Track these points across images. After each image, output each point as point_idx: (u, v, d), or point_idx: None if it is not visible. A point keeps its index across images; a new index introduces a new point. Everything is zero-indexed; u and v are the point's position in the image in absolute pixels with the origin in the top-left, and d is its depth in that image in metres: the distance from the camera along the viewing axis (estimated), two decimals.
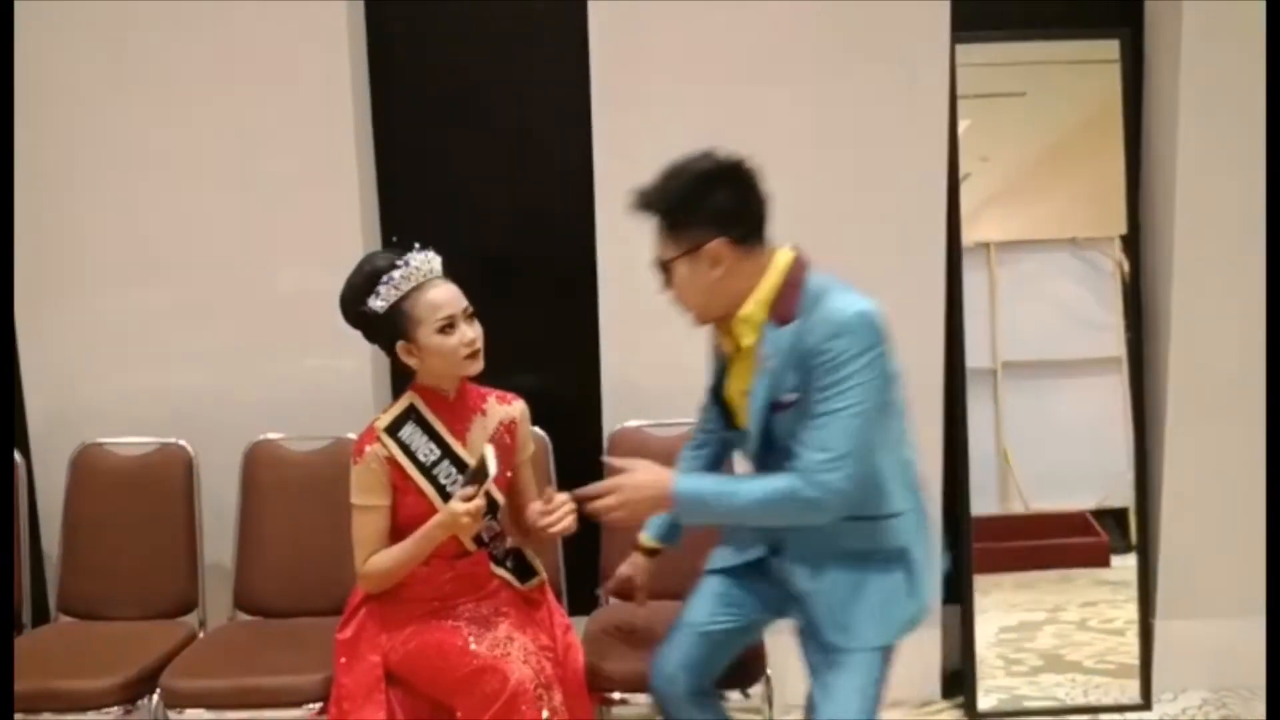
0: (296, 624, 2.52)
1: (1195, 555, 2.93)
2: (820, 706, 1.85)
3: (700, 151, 1.82)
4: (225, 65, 2.69)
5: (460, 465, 2.06)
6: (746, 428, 1.87)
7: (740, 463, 2.11)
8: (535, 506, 2.06)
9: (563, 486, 2.04)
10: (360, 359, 2.69)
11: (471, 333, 2.04)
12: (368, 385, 2.75)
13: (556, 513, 1.98)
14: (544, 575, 2.24)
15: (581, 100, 2.75)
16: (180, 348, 2.77)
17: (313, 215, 2.73)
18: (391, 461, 2.04)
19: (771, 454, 1.82)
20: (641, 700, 2.17)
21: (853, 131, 2.76)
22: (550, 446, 2.63)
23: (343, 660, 2.09)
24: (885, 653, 1.87)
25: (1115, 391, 2.95)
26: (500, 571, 2.16)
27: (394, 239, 2.10)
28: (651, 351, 2.71)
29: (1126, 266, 2.93)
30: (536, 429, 2.56)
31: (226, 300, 2.76)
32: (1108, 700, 2.92)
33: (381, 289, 2.01)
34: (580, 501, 1.91)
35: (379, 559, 2.05)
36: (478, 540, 2.12)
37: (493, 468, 1.95)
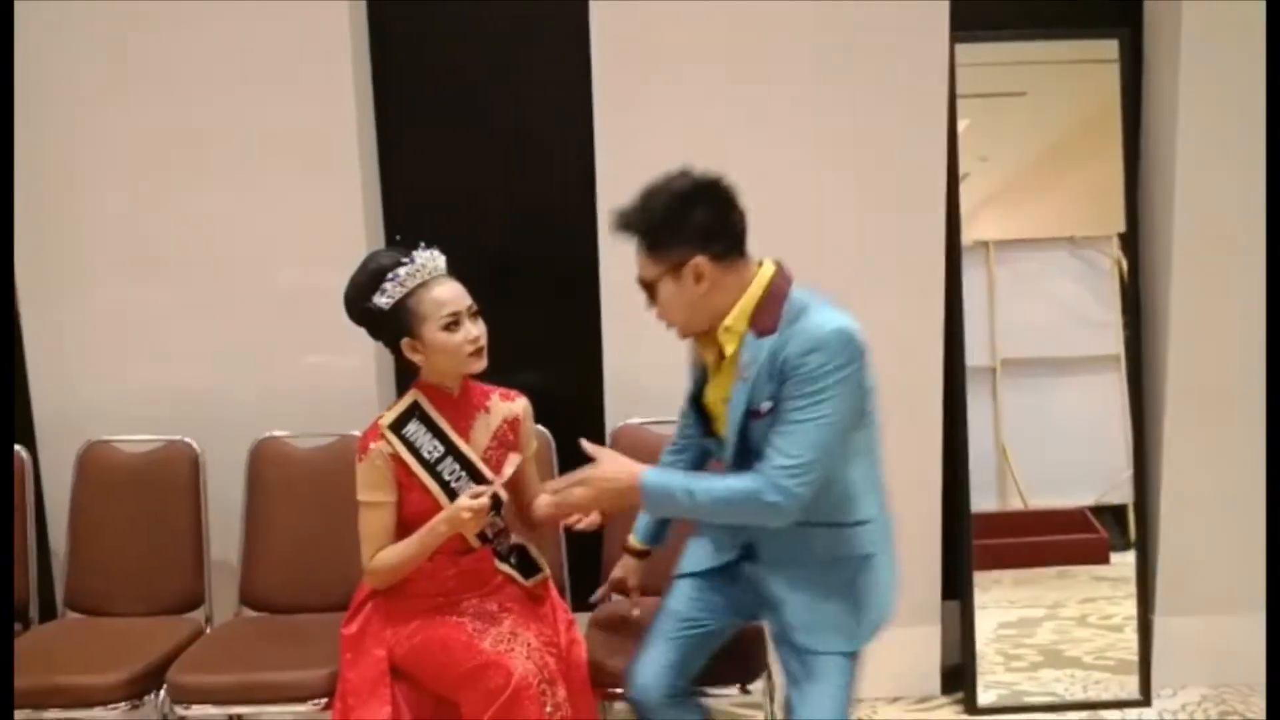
0: (302, 620, 2.53)
1: (1194, 552, 2.94)
2: (797, 708, 1.91)
3: (677, 170, 1.86)
4: (227, 65, 2.70)
5: (464, 461, 2.08)
6: (724, 435, 1.92)
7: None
8: (543, 498, 2.08)
9: None
10: (364, 356, 2.71)
11: (476, 330, 2.05)
12: (372, 383, 2.77)
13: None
14: (547, 572, 2.26)
15: (583, 100, 2.76)
16: (186, 346, 2.78)
17: (316, 214, 2.75)
18: (396, 458, 2.06)
19: (747, 460, 1.86)
20: None
21: (852, 131, 2.77)
22: (553, 444, 2.65)
23: (348, 655, 2.11)
24: (855, 655, 1.94)
25: (1114, 389, 2.96)
26: (504, 568, 2.18)
27: (397, 238, 2.12)
28: (652, 350, 2.71)
29: (1125, 265, 2.94)
30: (540, 426, 2.58)
31: (231, 298, 2.78)
32: (1107, 696, 2.93)
33: (387, 286, 2.03)
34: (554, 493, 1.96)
35: (385, 555, 2.07)
36: (481, 537, 2.13)
37: (506, 471, 1.99)
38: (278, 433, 2.71)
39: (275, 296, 2.78)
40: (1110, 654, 2.96)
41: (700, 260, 1.82)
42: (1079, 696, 2.93)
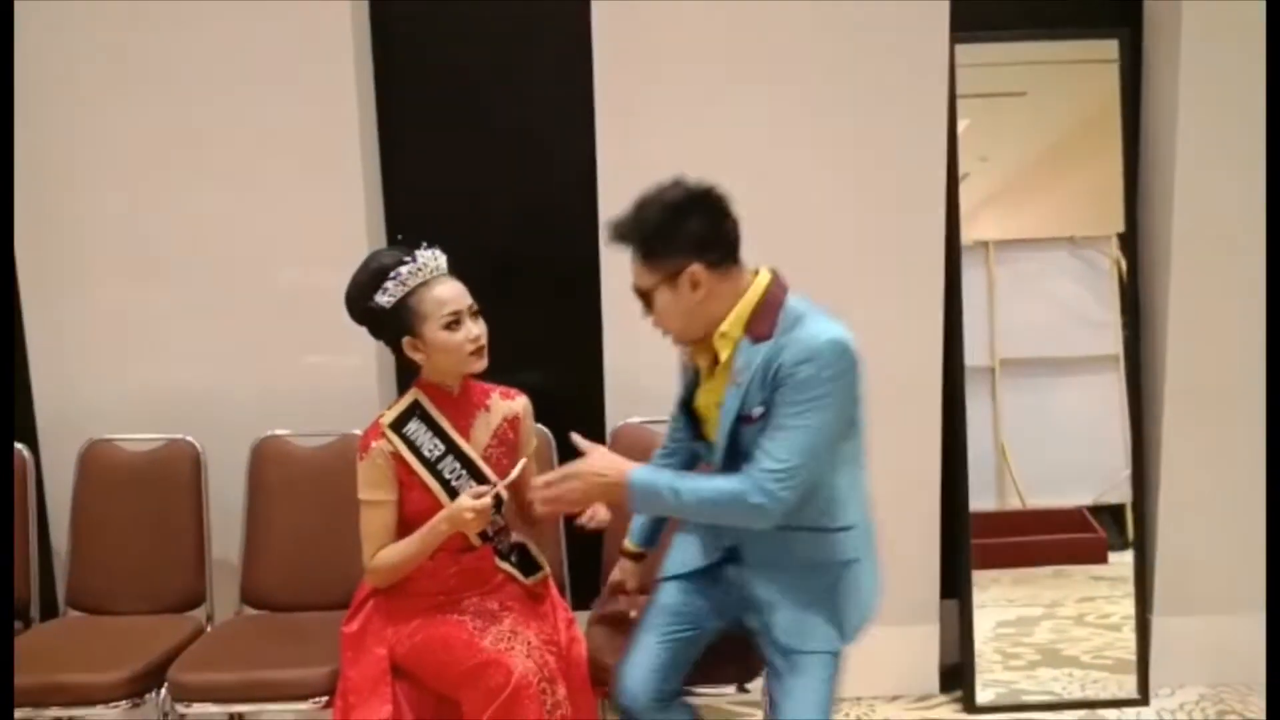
0: (303, 618, 2.54)
1: (1192, 552, 2.95)
2: (780, 706, 1.94)
3: (670, 180, 1.88)
4: (228, 65, 2.71)
5: (464, 460, 2.09)
6: (714, 439, 1.94)
7: None
8: (538, 481, 2.06)
9: None
10: (365, 355, 2.71)
11: (476, 329, 2.06)
12: (373, 382, 2.77)
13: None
14: (547, 570, 2.27)
15: (584, 99, 2.77)
16: (187, 345, 2.79)
17: (317, 213, 2.75)
18: (397, 457, 2.07)
19: (736, 464, 1.88)
20: None
21: (852, 131, 2.77)
22: (553, 443, 2.66)
23: (349, 654, 2.12)
24: (838, 653, 1.97)
25: (1113, 389, 2.97)
26: (505, 566, 2.19)
27: (399, 237, 2.12)
28: (652, 349, 2.71)
29: (1124, 265, 2.95)
30: (540, 426, 2.59)
31: (233, 298, 2.79)
32: (1105, 695, 2.94)
33: (389, 284, 2.03)
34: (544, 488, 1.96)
35: (386, 554, 2.07)
36: (482, 535, 2.14)
37: (513, 473, 2.01)
38: (279, 432, 2.71)
39: (276, 296, 2.79)
40: (1108, 653, 2.97)
41: (696, 268, 1.84)
42: (1077, 695, 2.94)
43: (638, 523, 2.26)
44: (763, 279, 1.91)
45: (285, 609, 2.60)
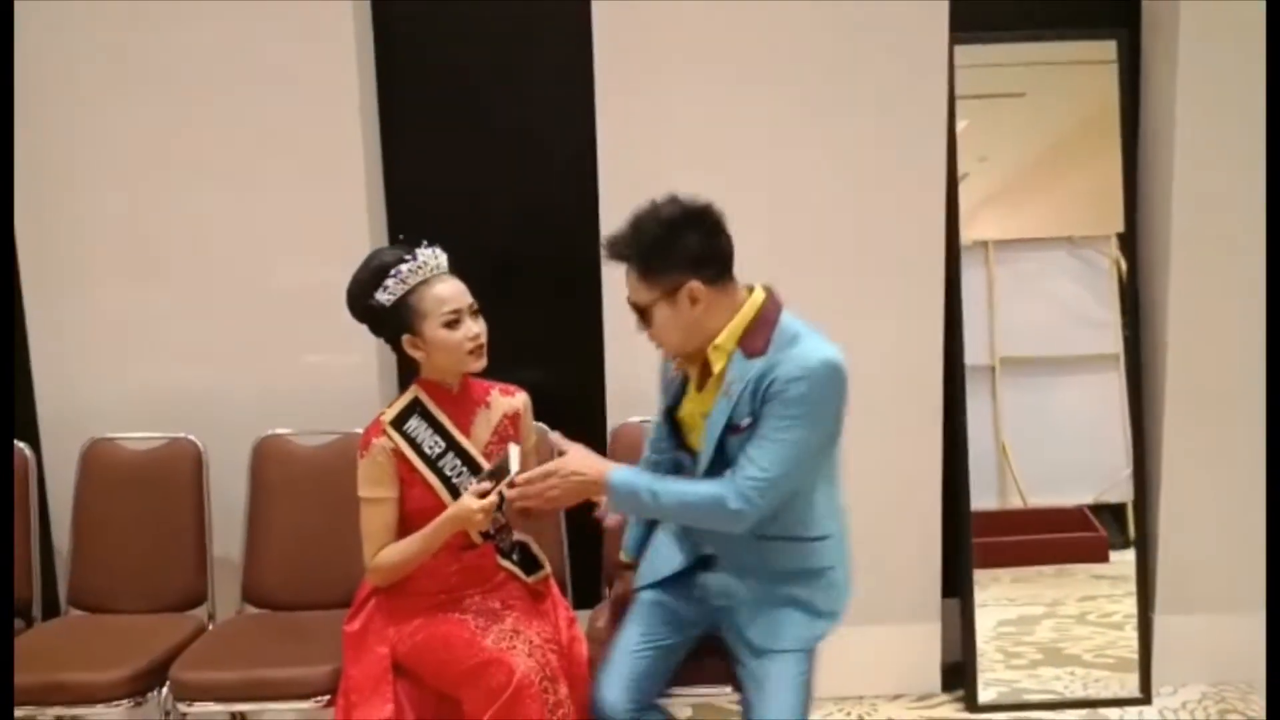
0: (304, 617, 2.54)
1: (1194, 550, 2.95)
2: (756, 706, 1.97)
3: (665, 197, 1.91)
4: (229, 65, 2.71)
5: (465, 457, 2.09)
6: (698, 448, 1.99)
7: None
8: (519, 479, 2.06)
9: None
10: (367, 354, 2.72)
11: (476, 328, 2.07)
12: (374, 381, 2.78)
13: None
14: (549, 569, 2.27)
15: (585, 100, 2.77)
16: (189, 344, 2.79)
17: (319, 213, 2.76)
18: (398, 454, 2.07)
19: (719, 472, 1.93)
20: None
21: (852, 132, 2.78)
22: (565, 439, 2.65)
23: (350, 653, 2.11)
24: (810, 653, 2.02)
25: (1113, 388, 2.97)
26: (506, 564, 2.19)
27: (400, 236, 2.13)
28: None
29: (1124, 264, 2.95)
30: (541, 424, 2.59)
31: (234, 297, 2.79)
32: (1107, 694, 2.94)
33: (389, 282, 2.04)
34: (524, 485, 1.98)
35: (388, 552, 2.07)
36: (484, 533, 2.14)
37: (514, 466, 1.99)
38: (280, 430, 2.72)
39: (277, 295, 2.79)
40: (1110, 652, 2.97)
41: (695, 284, 1.88)
42: (1079, 694, 2.94)
43: (632, 535, 2.27)
44: (758, 296, 1.95)
45: (287, 608, 2.60)
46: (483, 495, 1.99)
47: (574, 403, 2.80)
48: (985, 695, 2.94)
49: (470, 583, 2.15)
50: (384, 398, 2.71)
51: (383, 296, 2.04)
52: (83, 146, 2.75)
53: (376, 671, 2.08)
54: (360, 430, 2.15)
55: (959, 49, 2.82)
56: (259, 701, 2.31)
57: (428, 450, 2.08)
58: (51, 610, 2.71)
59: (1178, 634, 2.98)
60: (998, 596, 2.99)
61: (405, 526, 2.09)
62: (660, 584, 2.13)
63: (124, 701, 2.28)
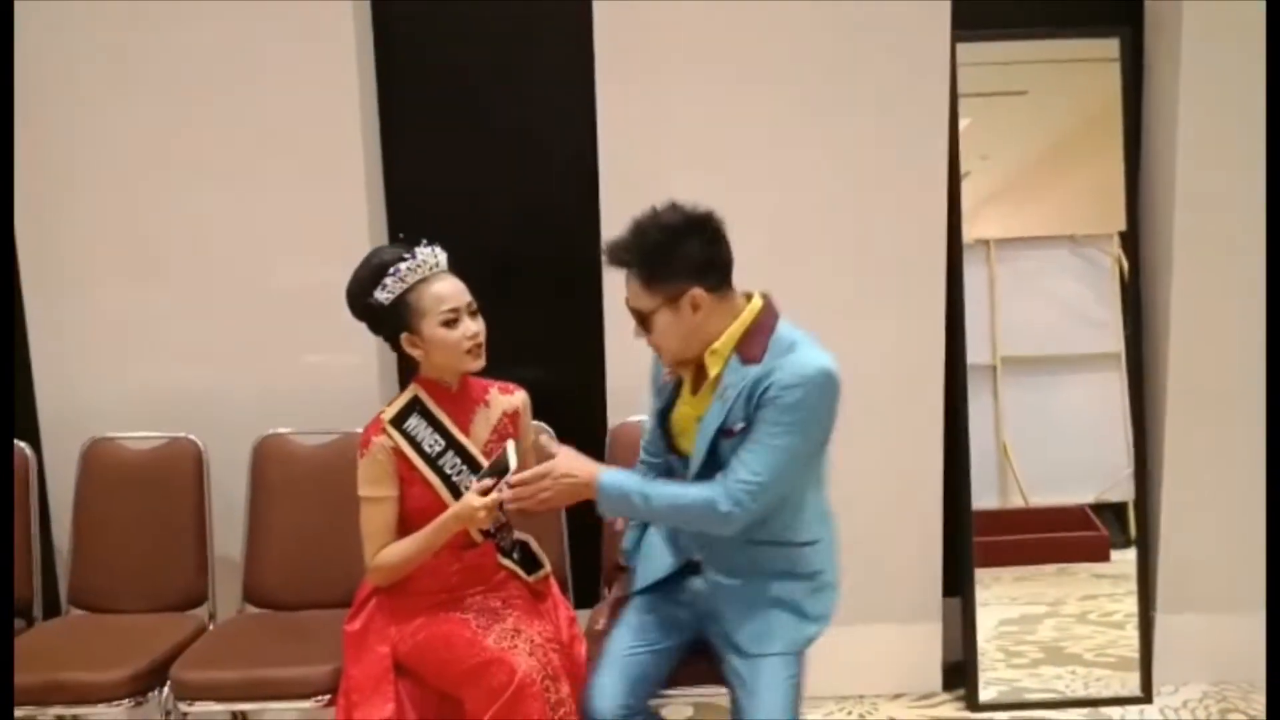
0: (305, 616, 2.55)
1: (1195, 550, 2.95)
2: (746, 708, 1.98)
3: (666, 205, 1.92)
4: (229, 65, 2.71)
5: (465, 455, 2.09)
6: (688, 452, 2.01)
7: None
8: (510, 480, 2.06)
9: None
10: (367, 353, 2.71)
11: (474, 327, 2.06)
12: (374, 380, 2.78)
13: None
14: (549, 568, 2.27)
15: (586, 100, 2.77)
16: (189, 343, 2.79)
17: (319, 213, 2.76)
18: (397, 452, 2.07)
19: (710, 475, 1.95)
20: None
21: (854, 130, 2.78)
22: (556, 439, 2.65)
23: (351, 652, 2.11)
24: (800, 655, 2.02)
25: (1114, 387, 2.97)
26: (507, 563, 2.19)
27: (400, 235, 2.13)
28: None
29: (1126, 263, 2.95)
30: (542, 424, 2.59)
31: (235, 296, 2.79)
32: (1108, 693, 2.94)
33: (388, 281, 2.04)
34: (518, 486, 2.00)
35: (389, 552, 2.07)
36: (484, 531, 2.14)
37: (513, 462, 1.99)
38: (281, 430, 2.72)
39: (278, 294, 2.79)
40: (1111, 651, 2.97)
41: (698, 291, 1.90)
42: (1080, 693, 2.94)
43: (630, 537, 2.28)
44: (756, 303, 1.98)
45: (287, 607, 2.60)
46: (484, 493, 1.99)
47: (574, 402, 2.80)
48: (986, 694, 2.94)
49: (471, 581, 2.15)
50: (384, 397, 2.71)
51: (381, 295, 2.04)
52: (83, 146, 2.74)
53: (377, 671, 2.08)
54: (360, 429, 2.15)
55: (961, 47, 2.82)
56: (260, 701, 2.31)
57: (428, 449, 2.08)
58: (52, 610, 2.72)
59: (1179, 633, 2.98)
60: (999, 596, 2.99)
61: (405, 525, 2.09)
62: (651, 589, 2.14)
63: (125, 701, 2.28)
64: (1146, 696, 2.95)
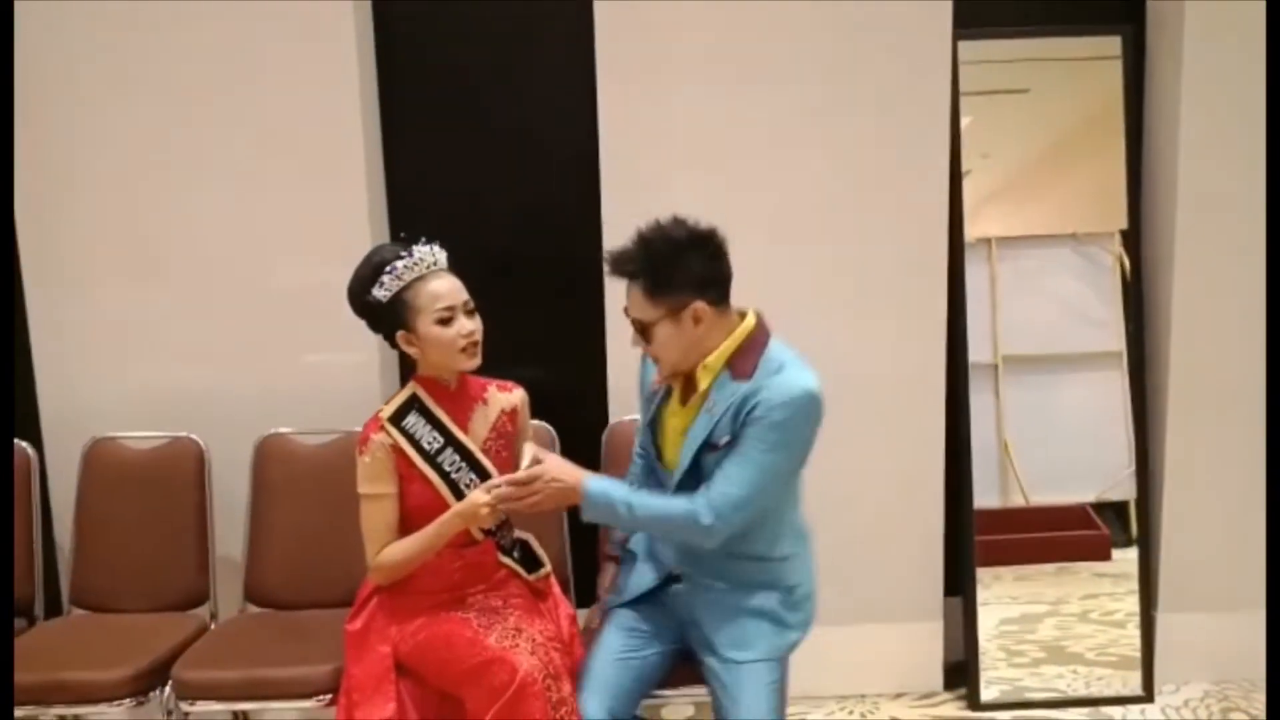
0: (306, 616, 2.55)
1: (1196, 548, 2.95)
2: (729, 712, 2.01)
3: (670, 219, 1.96)
4: (230, 65, 2.71)
5: (463, 453, 2.09)
6: (672, 462, 2.06)
7: None
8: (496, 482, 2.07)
9: None
10: (369, 353, 2.72)
11: (470, 325, 2.06)
12: (375, 379, 2.78)
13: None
14: (549, 567, 2.27)
15: (587, 99, 2.77)
16: (191, 343, 2.79)
17: (320, 212, 2.76)
18: (396, 450, 2.07)
19: (691, 486, 2.00)
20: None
21: (855, 128, 2.77)
22: (556, 440, 2.66)
23: (352, 652, 2.11)
24: (781, 660, 2.07)
25: (1115, 386, 2.97)
26: (507, 561, 2.19)
27: (401, 235, 2.13)
28: None
29: (1127, 262, 2.94)
30: (543, 422, 2.60)
31: (236, 296, 2.79)
32: (1109, 692, 2.94)
33: (385, 279, 2.04)
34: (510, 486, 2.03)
35: (392, 551, 2.07)
36: (484, 529, 2.14)
37: (525, 463, 2.02)
38: (282, 429, 2.72)
39: (279, 294, 2.79)
40: (1112, 650, 2.97)
41: (700, 305, 1.94)
42: (1081, 692, 2.94)
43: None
44: (750, 321, 2.02)
45: (289, 607, 2.60)
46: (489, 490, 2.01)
47: (574, 402, 2.80)
48: (988, 694, 2.94)
49: (473, 580, 2.15)
50: (385, 397, 2.69)
51: (379, 292, 2.05)
52: (83, 146, 2.74)
53: (378, 670, 2.07)
54: (362, 429, 2.15)
55: (963, 45, 2.81)
56: (261, 701, 2.32)
57: (426, 446, 2.08)
58: (54, 609, 2.72)
59: (1180, 632, 2.98)
60: (1000, 595, 2.99)
61: (405, 524, 2.09)
62: (634, 602, 2.18)
63: (126, 701, 2.29)
64: (1148, 695, 2.95)
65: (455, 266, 2.12)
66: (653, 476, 2.19)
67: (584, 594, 2.58)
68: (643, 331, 1.99)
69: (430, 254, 2.08)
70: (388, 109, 2.90)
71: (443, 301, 2.04)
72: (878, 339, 2.84)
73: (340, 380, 2.75)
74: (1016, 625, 2.99)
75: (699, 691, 2.18)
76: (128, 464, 2.70)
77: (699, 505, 1.94)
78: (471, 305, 2.08)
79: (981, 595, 2.94)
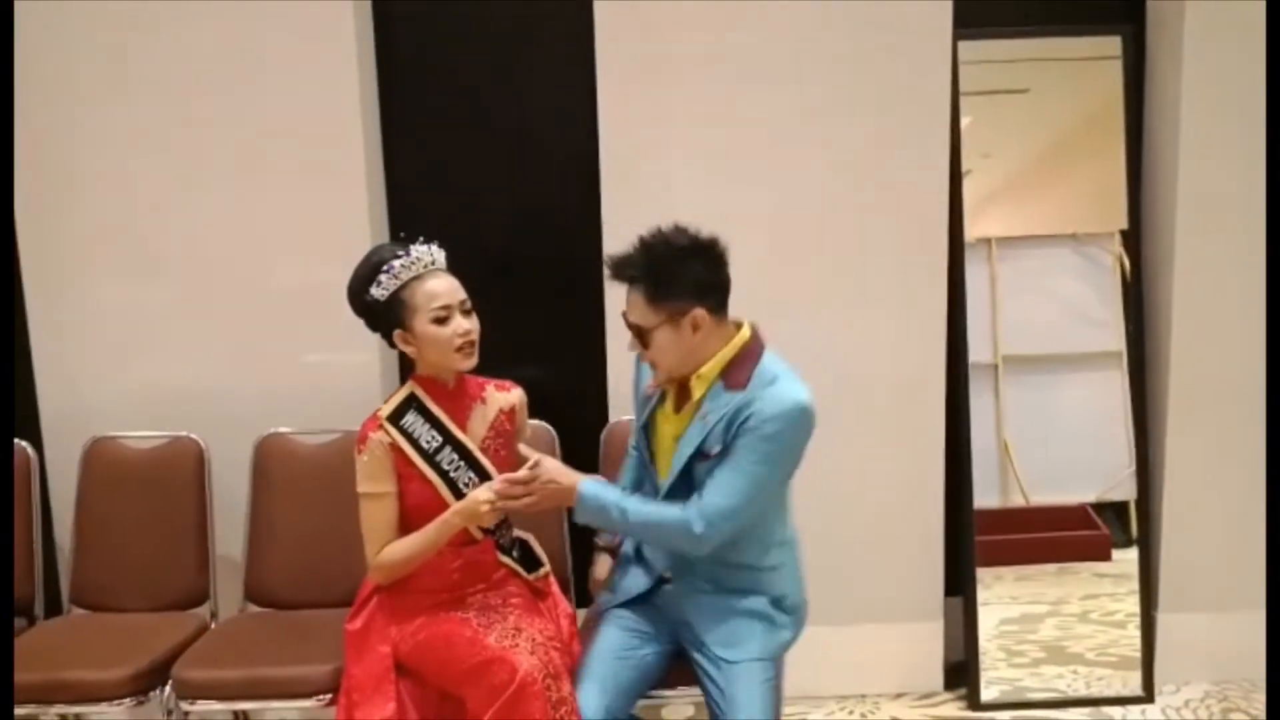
0: (306, 616, 2.55)
1: (1196, 548, 2.95)
2: (725, 713, 2.01)
3: (672, 226, 1.98)
4: (230, 64, 2.71)
5: (462, 451, 2.10)
6: (661, 464, 2.10)
7: None
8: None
9: None
10: (369, 352, 2.71)
11: (467, 324, 2.06)
12: (376, 379, 2.78)
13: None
14: (548, 567, 2.27)
15: (587, 99, 2.77)
16: (192, 342, 2.80)
17: (321, 212, 2.76)
18: (395, 448, 2.07)
19: (680, 493, 2.03)
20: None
21: (855, 128, 2.77)
22: (556, 439, 2.66)
23: (352, 652, 2.11)
24: (774, 660, 2.08)
25: (1116, 386, 2.97)
26: (507, 561, 2.19)
27: (402, 234, 2.13)
28: None
29: (1127, 262, 2.94)
30: (544, 422, 2.60)
31: (236, 295, 2.79)
32: (1110, 692, 2.94)
33: (382, 278, 2.04)
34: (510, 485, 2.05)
35: (392, 550, 2.07)
36: (483, 528, 2.14)
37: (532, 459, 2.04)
38: (282, 429, 2.72)
39: (279, 294, 2.79)
40: (1113, 650, 2.97)
41: (700, 312, 1.96)
42: (1082, 693, 2.94)
43: None
44: (745, 332, 2.04)
45: (289, 606, 2.61)
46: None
47: (574, 402, 2.80)
48: (988, 694, 2.94)
49: (472, 579, 2.15)
50: (385, 396, 2.69)
51: (376, 291, 2.05)
52: (83, 146, 2.75)
53: (379, 670, 2.07)
54: None
55: (963, 45, 2.81)
56: (261, 700, 2.32)
57: (425, 445, 2.08)
58: (54, 609, 2.72)
59: (1180, 632, 2.98)
60: (1000, 595, 2.99)
61: (404, 523, 2.09)
62: (626, 604, 2.19)
63: (126, 700, 2.29)
64: (1148, 696, 2.95)
65: (455, 266, 2.12)
66: (645, 471, 2.20)
67: (583, 594, 2.58)
68: (641, 336, 2.00)
69: (428, 253, 2.08)
70: (388, 109, 2.90)
71: (439, 300, 2.04)
72: (878, 339, 2.84)
73: (340, 380, 2.75)
74: (1017, 625, 2.99)
75: (698, 692, 2.17)
76: (128, 463, 2.71)
77: (691, 514, 1.96)
78: (469, 305, 2.09)
79: (982, 595, 2.94)
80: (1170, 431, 2.91)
